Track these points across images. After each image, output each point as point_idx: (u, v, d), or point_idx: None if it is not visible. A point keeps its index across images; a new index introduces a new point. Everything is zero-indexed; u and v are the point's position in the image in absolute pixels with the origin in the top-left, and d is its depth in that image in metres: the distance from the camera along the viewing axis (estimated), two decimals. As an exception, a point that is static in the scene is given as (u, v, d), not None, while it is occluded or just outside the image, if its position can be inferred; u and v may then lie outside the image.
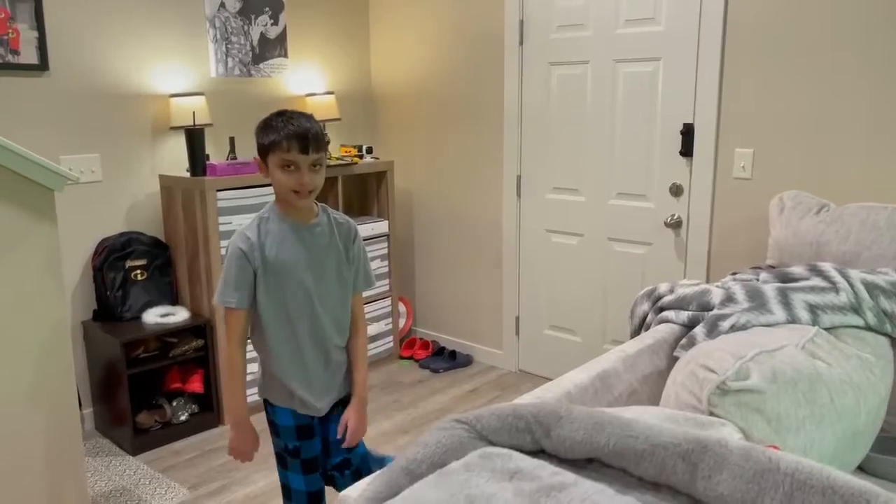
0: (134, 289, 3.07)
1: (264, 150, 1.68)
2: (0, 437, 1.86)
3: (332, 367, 1.82)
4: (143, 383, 3.03)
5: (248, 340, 1.78)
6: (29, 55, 2.79)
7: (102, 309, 3.05)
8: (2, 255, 1.81)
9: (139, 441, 2.91)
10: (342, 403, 1.87)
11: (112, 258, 3.02)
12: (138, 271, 3.09)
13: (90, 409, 3.12)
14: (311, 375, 1.78)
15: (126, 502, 2.54)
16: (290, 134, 1.63)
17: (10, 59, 2.75)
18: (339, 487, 1.91)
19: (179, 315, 3.06)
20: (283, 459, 1.84)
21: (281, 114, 1.68)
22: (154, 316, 3.01)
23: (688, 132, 2.91)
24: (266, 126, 1.68)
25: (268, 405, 1.84)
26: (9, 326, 1.85)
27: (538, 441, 1.17)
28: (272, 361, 1.78)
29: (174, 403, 3.05)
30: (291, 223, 1.73)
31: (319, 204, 1.81)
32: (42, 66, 2.83)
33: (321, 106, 3.73)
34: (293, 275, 1.72)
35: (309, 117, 1.69)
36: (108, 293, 3.01)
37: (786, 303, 1.85)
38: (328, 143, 1.72)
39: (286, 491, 1.85)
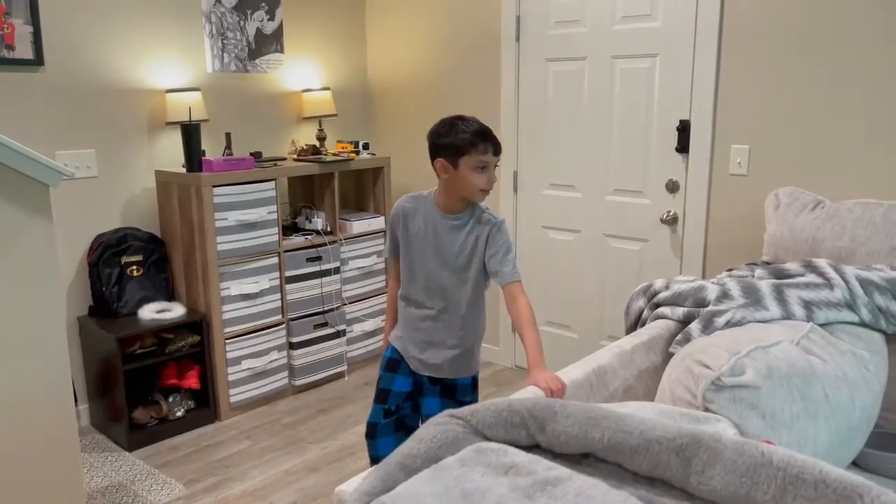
0: (130, 284, 3.06)
1: (457, 152, 1.84)
2: (-5, 433, 1.86)
3: (439, 335, 2.01)
4: (139, 379, 3.03)
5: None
6: (24, 50, 2.78)
7: (98, 305, 3.05)
8: (-3, 251, 1.81)
9: (135, 437, 2.91)
10: (447, 389, 2.05)
11: (108, 254, 3.01)
12: (134, 267, 3.09)
13: (86, 404, 3.12)
14: (418, 330, 2.02)
15: (122, 498, 2.54)
16: (486, 137, 1.83)
17: (5, 54, 2.74)
18: None
19: (175, 311, 3.05)
20: None
21: (462, 119, 1.85)
22: (150, 312, 3.01)
23: (684, 128, 2.91)
24: (454, 130, 1.83)
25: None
26: (4, 322, 1.84)
27: (533, 436, 1.17)
28: (399, 307, 2.09)
29: (170, 399, 3.05)
30: (440, 212, 1.96)
31: (475, 203, 1.97)
32: (37, 61, 2.82)
33: (317, 102, 3.73)
34: (419, 250, 1.97)
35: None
36: (104, 289, 3.00)
37: (781, 299, 1.85)
38: None
39: None
